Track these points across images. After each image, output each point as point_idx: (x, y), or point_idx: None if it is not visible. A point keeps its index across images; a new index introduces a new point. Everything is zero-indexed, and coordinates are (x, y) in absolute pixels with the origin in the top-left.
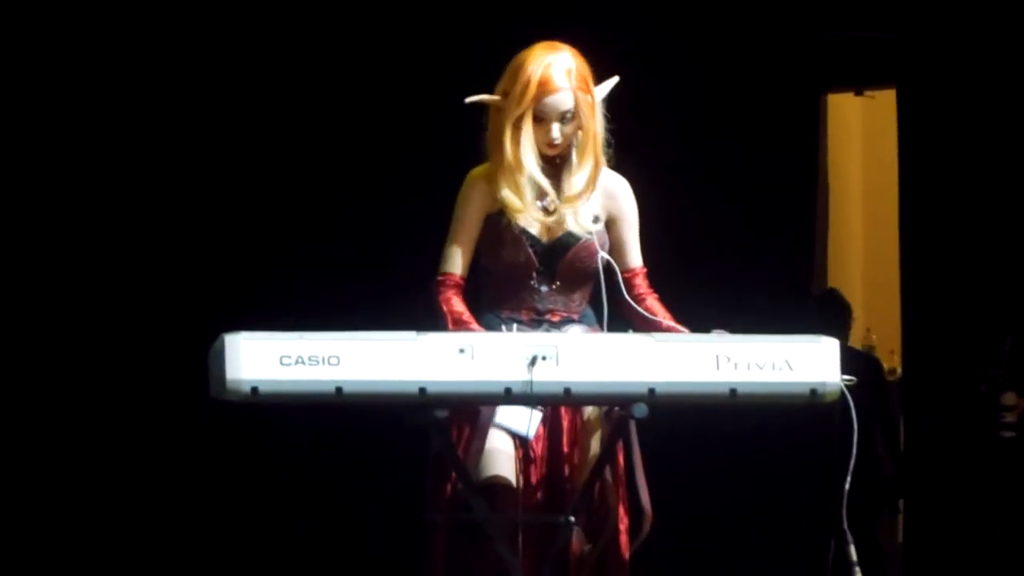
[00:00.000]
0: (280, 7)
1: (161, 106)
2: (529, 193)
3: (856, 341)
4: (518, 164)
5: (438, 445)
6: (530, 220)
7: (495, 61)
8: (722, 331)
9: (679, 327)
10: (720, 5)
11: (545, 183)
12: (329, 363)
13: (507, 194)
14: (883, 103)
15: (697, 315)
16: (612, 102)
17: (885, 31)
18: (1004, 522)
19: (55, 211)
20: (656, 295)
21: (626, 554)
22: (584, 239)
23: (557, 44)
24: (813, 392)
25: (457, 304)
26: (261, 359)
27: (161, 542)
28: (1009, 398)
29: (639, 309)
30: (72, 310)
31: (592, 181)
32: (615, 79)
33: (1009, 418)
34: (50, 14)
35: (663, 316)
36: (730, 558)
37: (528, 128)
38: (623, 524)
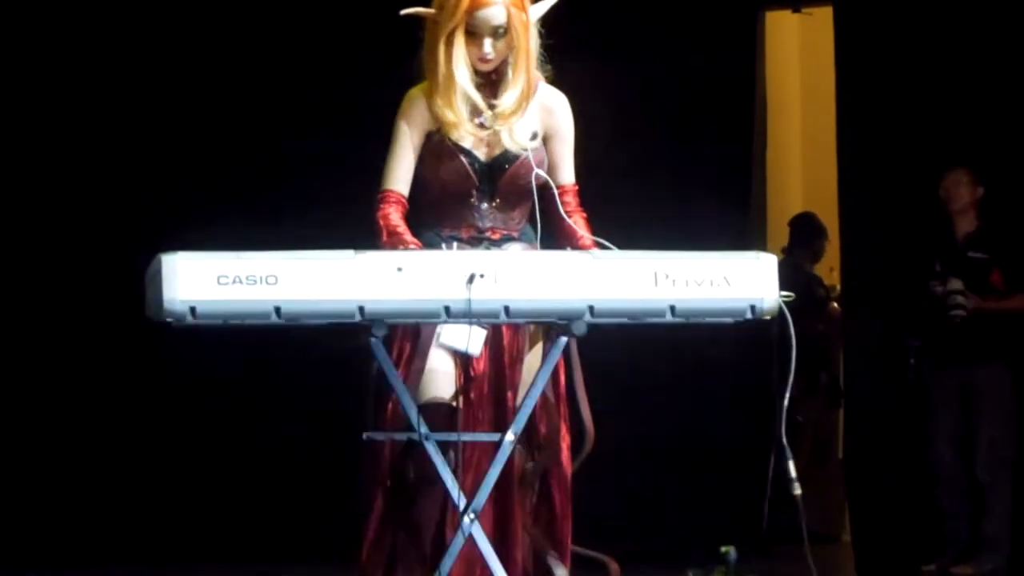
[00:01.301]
0: None
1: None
2: (464, 109)
3: None
4: (451, 79)
5: (377, 364)
6: (466, 136)
7: None
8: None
9: (593, 245)
10: None
11: (477, 98)
12: (267, 282)
13: (442, 109)
14: (820, 20)
15: (637, 234)
16: (551, 20)
17: None
18: (943, 415)
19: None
20: (584, 213)
21: (568, 471)
22: (522, 157)
23: None
24: (752, 308)
25: (395, 218)
26: (198, 279)
27: (106, 468)
28: (955, 283)
29: (566, 225)
30: (12, 231)
31: (525, 98)
32: (550, 1)
33: (959, 300)
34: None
35: (583, 232)
36: (672, 474)
37: (460, 43)
38: (565, 442)
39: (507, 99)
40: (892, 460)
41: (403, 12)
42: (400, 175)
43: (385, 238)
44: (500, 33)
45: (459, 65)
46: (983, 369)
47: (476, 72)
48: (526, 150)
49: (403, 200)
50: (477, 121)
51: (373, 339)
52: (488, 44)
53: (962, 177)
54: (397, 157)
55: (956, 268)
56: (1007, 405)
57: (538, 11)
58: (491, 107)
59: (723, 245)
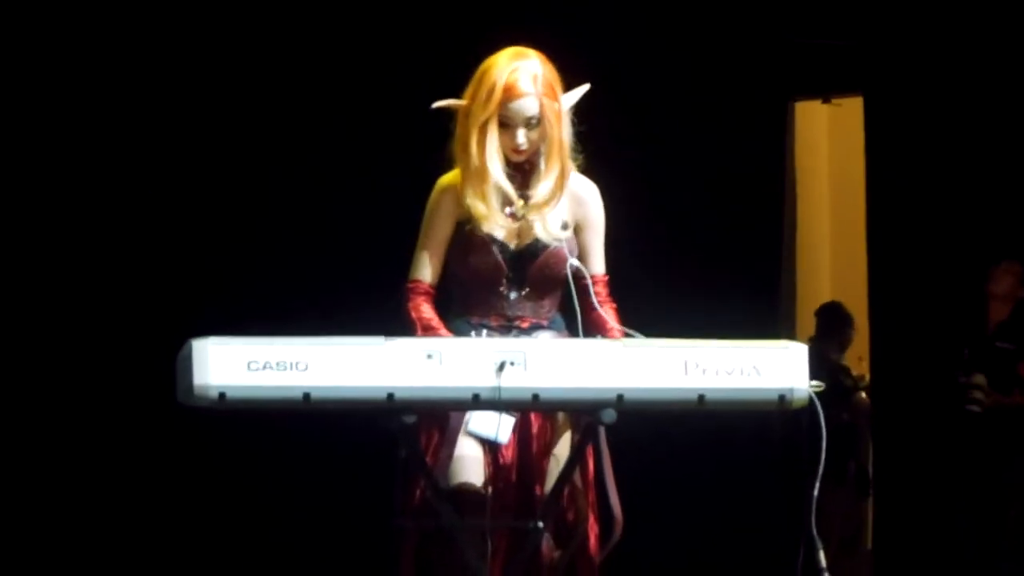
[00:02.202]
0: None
1: (134, 115)
2: (495, 199)
3: None
4: (484, 170)
5: (406, 451)
6: (497, 227)
7: (465, 67)
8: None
9: (621, 336)
10: (689, 13)
11: (510, 189)
12: (297, 368)
13: (473, 200)
14: (850, 110)
15: (667, 321)
16: (582, 108)
17: (851, 39)
18: (970, 505)
19: (26, 215)
20: (614, 304)
21: (596, 560)
22: (553, 246)
23: (525, 50)
24: (781, 398)
25: (427, 311)
26: (229, 364)
27: (130, 547)
28: (978, 378)
29: (595, 315)
30: (44, 314)
31: (559, 188)
32: (585, 87)
33: (978, 395)
34: None
35: (614, 324)
36: (700, 564)
37: (494, 133)
38: (593, 530)
39: (542, 190)
40: (921, 552)
41: (435, 105)
42: (429, 265)
43: (420, 332)
44: (533, 124)
45: (492, 157)
46: (1007, 464)
47: (508, 163)
48: (558, 240)
49: (432, 291)
50: (508, 211)
51: (402, 425)
52: (521, 135)
53: (1014, 268)
54: (427, 247)
55: (984, 357)
56: None
57: (570, 100)
58: (523, 197)
59: (752, 334)
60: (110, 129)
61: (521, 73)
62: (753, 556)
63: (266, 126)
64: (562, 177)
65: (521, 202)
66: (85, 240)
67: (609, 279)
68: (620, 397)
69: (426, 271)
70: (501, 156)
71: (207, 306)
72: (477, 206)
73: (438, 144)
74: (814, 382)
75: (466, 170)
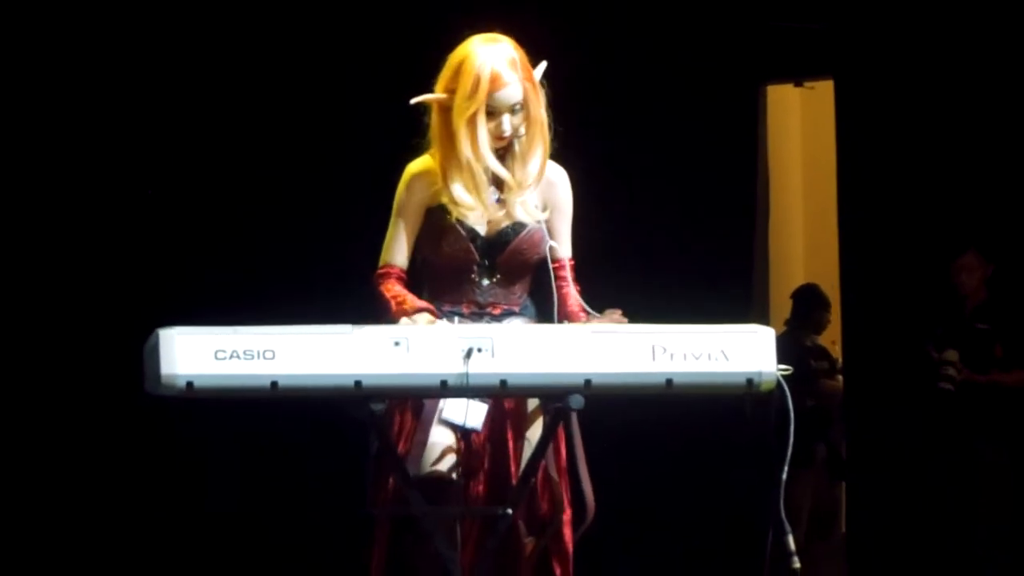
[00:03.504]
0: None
1: (97, 106)
2: (487, 190)
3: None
4: (479, 160)
5: (376, 439)
6: (480, 216)
7: (428, 54)
8: (614, 311)
9: (580, 313)
10: None
11: (505, 173)
12: (264, 357)
13: (460, 192)
14: (822, 94)
15: (638, 305)
16: (552, 93)
17: (822, 22)
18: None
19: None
20: (578, 287)
21: (569, 545)
22: (527, 229)
23: (495, 35)
24: (749, 382)
25: (399, 289)
26: (196, 354)
27: (99, 537)
28: (951, 354)
29: (558, 298)
30: (9, 306)
31: (544, 166)
32: (543, 64)
33: (950, 371)
34: None
35: (574, 305)
36: (671, 547)
37: (483, 123)
38: (565, 515)
39: (532, 168)
40: (895, 535)
41: (414, 100)
42: (400, 250)
43: (394, 308)
44: (517, 109)
45: (486, 148)
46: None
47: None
48: (539, 222)
49: (403, 275)
50: (496, 198)
51: (371, 413)
52: (507, 121)
53: (971, 262)
54: (397, 233)
55: (960, 336)
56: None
57: (537, 76)
58: (512, 182)
59: (725, 318)
60: (73, 120)
61: (501, 61)
62: (723, 540)
63: (230, 115)
64: (545, 155)
65: (509, 183)
66: (51, 231)
67: (574, 264)
68: (588, 382)
69: (397, 256)
70: (491, 145)
71: (174, 296)
72: (465, 197)
73: (404, 132)
74: (782, 366)
75: (452, 162)
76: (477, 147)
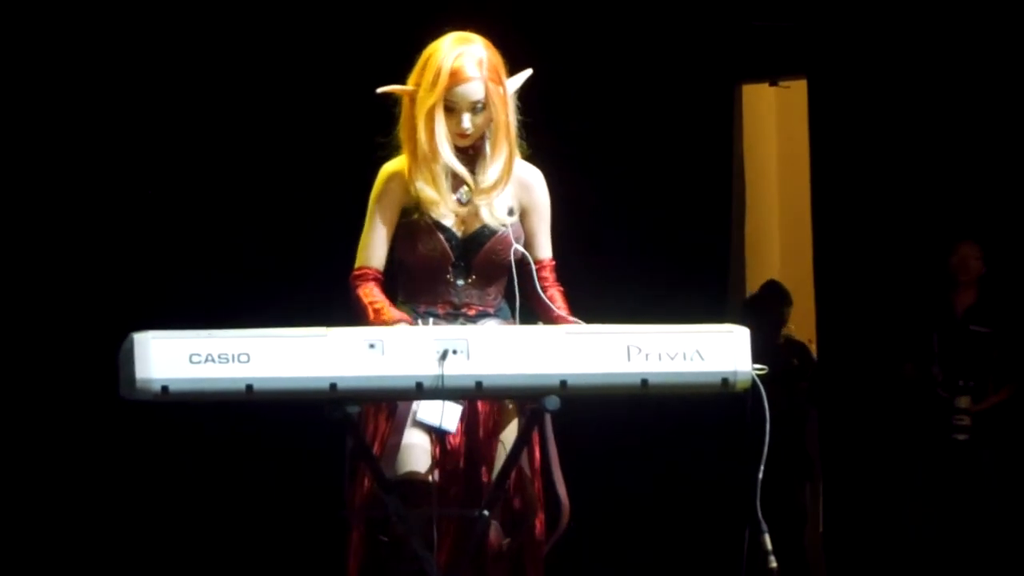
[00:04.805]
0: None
1: (76, 110)
2: (445, 184)
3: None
4: (434, 154)
5: (351, 441)
6: (446, 213)
7: (407, 53)
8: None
9: (570, 319)
10: None
11: (463, 170)
12: (239, 360)
13: (422, 186)
14: (797, 92)
15: (613, 306)
16: (526, 91)
17: (796, 21)
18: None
19: None
20: (560, 288)
21: (543, 548)
22: (499, 232)
23: (469, 35)
24: (724, 381)
25: (376, 294)
26: (170, 358)
27: (78, 542)
28: (963, 401)
29: (543, 300)
30: None
31: (506, 172)
32: (528, 72)
33: (964, 421)
34: None
35: (559, 307)
36: (646, 549)
37: (441, 118)
38: (540, 517)
39: (491, 174)
40: (871, 536)
41: (380, 90)
42: (376, 252)
43: (372, 316)
44: (479, 108)
45: (442, 141)
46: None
47: (455, 147)
48: (504, 226)
49: (380, 276)
50: (455, 197)
51: (346, 415)
52: (467, 119)
53: (973, 251)
54: (373, 234)
55: (955, 342)
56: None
57: (514, 84)
58: (470, 183)
59: (701, 318)
60: (52, 123)
61: (466, 58)
62: (700, 540)
63: (207, 118)
64: (510, 161)
65: (467, 187)
66: (25, 235)
67: (556, 264)
68: (563, 383)
69: (373, 258)
70: (450, 140)
71: (148, 299)
72: (427, 192)
73: (381, 131)
74: (757, 365)
75: (414, 156)
76: (433, 140)
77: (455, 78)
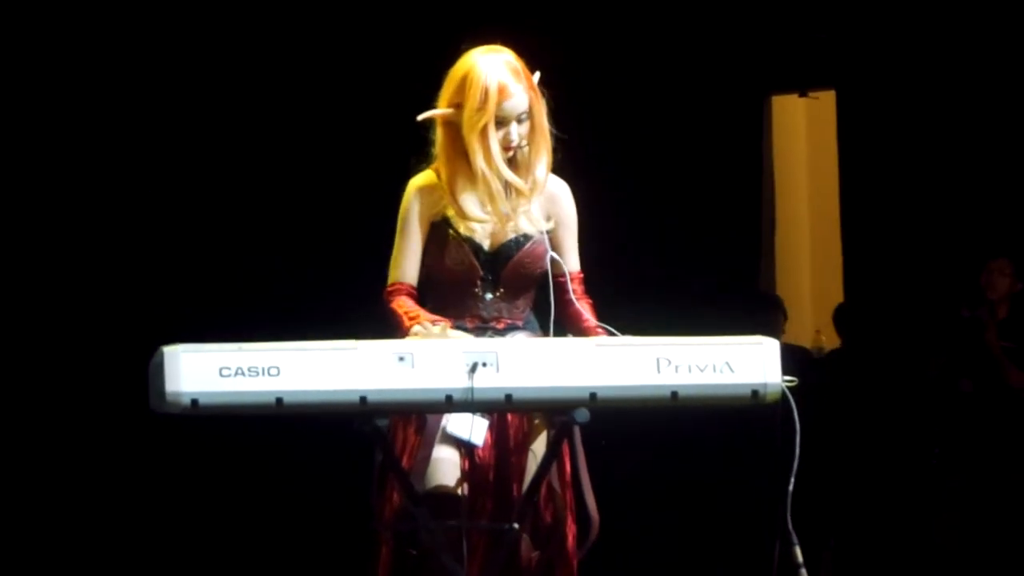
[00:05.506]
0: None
1: (104, 121)
2: (503, 200)
3: (807, 343)
4: (494, 171)
5: (380, 454)
6: (475, 226)
7: (430, 67)
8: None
9: (601, 328)
10: (666, 8)
11: (519, 182)
12: (269, 374)
13: (473, 206)
14: (826, 103)
15: (645, 317)
16: (558, 104)
17: (825, 33)
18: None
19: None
20: (589, 300)
21: (574, 561)
22: (530, 242)
23: (495, 47)
24: (754, 393)
25: (410, 304)
26: (200, 371)
27: (106, 552)
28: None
29: (572, 311)
30: (17, 322)
31: (548, 171)
32: (536, 74)
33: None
34: None
35: (589, 317)
36: (677, 561)
37: (494, 135)
38: (571, 531)
39: (539, 174)
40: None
41: (421, 117)
42: (408, 267)
43: (406, 323)
44: (523, 118)
45: (499, 158)
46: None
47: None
48: (542, 232)
49: (414, 292)
50: (504, 211)
51: (375, 428)
52: (515, 131)
53: (1005, 268)
54: (404, 249)
55: (978, 355)
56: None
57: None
58: (524, 189)
59: (731, 329)
60: (81, 133)
61: (506, 72)
62: (731, 553)
63: (238, 133)
64: (550, 160)
65: (520, 191)
66: (57, 247)
67: (584, 276)
68: (593, 396)
69: (406, 274)
70: (503, 156)
71: (179, 313)
72: (478, 212)
73: (408, 147)
74: (787, 377)
75: (462, 176)
76: (491, 158)
77: (503, 94)
